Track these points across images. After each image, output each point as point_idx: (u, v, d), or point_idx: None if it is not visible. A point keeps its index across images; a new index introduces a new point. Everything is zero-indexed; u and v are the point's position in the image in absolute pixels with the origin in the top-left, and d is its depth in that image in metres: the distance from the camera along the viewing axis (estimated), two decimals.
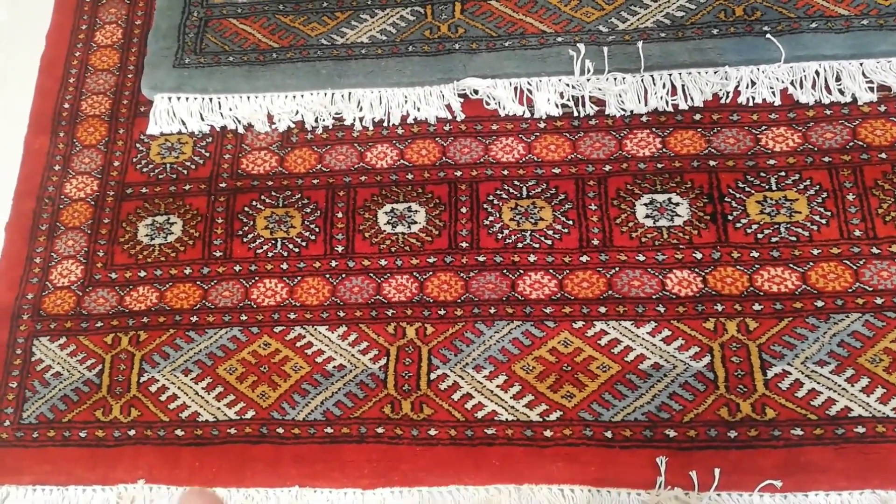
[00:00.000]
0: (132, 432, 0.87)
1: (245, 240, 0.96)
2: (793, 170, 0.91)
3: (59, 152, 1.04)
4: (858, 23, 0.95)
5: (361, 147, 0.99)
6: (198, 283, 0.94)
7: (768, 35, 0.95)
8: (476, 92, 0.99)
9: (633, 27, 0.99)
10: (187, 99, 1.03)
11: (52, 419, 0.89)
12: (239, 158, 1.01)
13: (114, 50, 1.09)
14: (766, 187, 0.91)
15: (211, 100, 1.03)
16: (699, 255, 0.88)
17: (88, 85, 1.07)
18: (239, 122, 1.02)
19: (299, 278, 0.93)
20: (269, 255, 0.94)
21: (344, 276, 0.92)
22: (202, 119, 1.02)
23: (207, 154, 1.01)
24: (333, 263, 0.93)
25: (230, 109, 1.02)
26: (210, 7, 1.08)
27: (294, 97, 1.02)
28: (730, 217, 0.90)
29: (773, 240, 0.88)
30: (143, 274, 0.95)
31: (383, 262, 0.92)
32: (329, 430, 0.85)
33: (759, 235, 0.88)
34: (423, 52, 1.01)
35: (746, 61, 0.95)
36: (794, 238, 0.88)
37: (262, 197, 0.98)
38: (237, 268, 0.94)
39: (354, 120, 1.00)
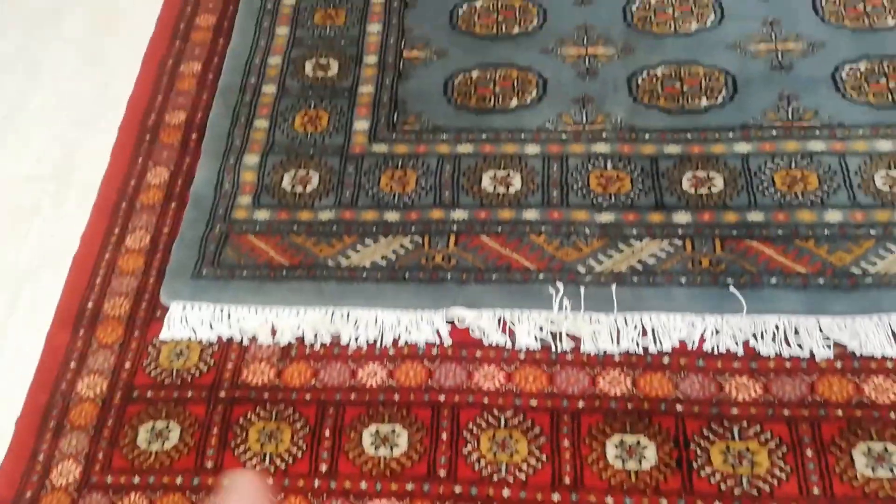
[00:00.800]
0: None
1: (236, 452, 1.02)
2: (755, 420, 0.97)
3: (76, 349, 1.13)
4: (814, 281, 1.05)
5: (354, 364, 1.07)
6: (187, 493, 0.99)
7: (731, 287, 1.05)
8: (463, 320, 1.09)
9: (608, 270, 1.09)
10: (200, 308, 1.13)
11: None
12: (240, 368, 1.09)
13: (140, 255, 1.21)
14: (730, 437, 0.97)
15: (222, 310, 1.13)
16: (664, 503, 0.93)
17: (113, 286, 1.18)
18: (245, 333, 1.11)
19: (282, 496, 0.98)
20: (257, 469, 1.00)
21: (325, 496, 0.97)
22: (211, 328, 1.12)
23: (212, 362, 1.10)
24: (316, 483, 0.98)
25: (238, 320, 1.12)
26: (232, 223, 1.21)
27: (298, 312, 1.11)
28: (695, 465, 0.95)
29: (736, 492, 0.93)
30: (136, 480, 1.01)
31: (364, 485, 0.97)
32: None
33: (723, 486, 0.93)
34: (417, 279, 1.12)
35: (711, 310, 1.05)
36: (755, 492, 0.92)
37: (258, 409, 1.05)
38: None
39: (350, 339, 1.09)
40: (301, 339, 1.11)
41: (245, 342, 1.11)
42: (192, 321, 1.13)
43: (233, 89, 1.36)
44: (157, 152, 1.33)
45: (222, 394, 1.07)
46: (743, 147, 1.19)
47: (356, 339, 1.09)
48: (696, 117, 1.23)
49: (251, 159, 1.28)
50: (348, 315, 1.11)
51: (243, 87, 1.36)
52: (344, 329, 1.10)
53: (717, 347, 1.03)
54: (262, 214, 1.21)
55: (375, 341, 1.09)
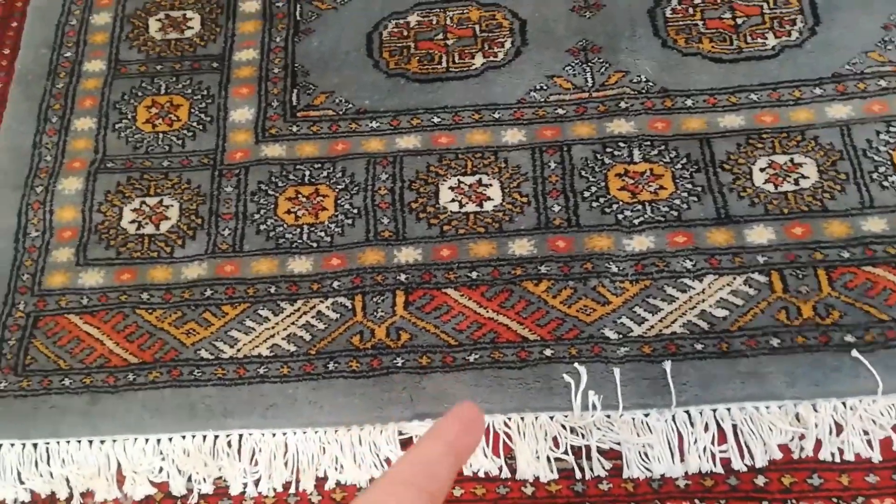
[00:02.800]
0: None
1: None
2: None
3: None
4: None
5: None
6: None
7: (854, 352, 0.67)
8: None
9: (654, 332, 0.70)
10: None
11: None
12: None
13: None
14: None
15: (35, 447, 0.71)
16: None
17: None
18: (74, 485, 0.70)
19: None
20: None
21: None
22: (19, 480, 0.70)
23: None
24: None
25: (62, 464, 0.70)
26: (43, 295, 0.77)
27: (158, 444, 0.70)
28: None
29: None
30: None
31: None
32: None
33: None
34: (349, 371, 0.71)
35: (826, 393, 0.66)
36: None
37: None
38: None
39: (246, 483, 0.69)
40: (167, 489, 0.70)
41: (76, 500, 0.70)
42: None
43: (38, 72, 0.89)
44: None
45: None
46: (840, 110, 0.78)
47: (256, 485, 0.69)
48: (762, 66, 0.81)
49: (70, 185, 0.82)
50: (240, 443, 0.70)
51: (54, 67, 0.90)
52: (232, 467, 0.69)
53: (841, 453, 0.66)
54: (91, 278, 0.78)
55: (288, 485, 0.69)
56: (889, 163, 0.75)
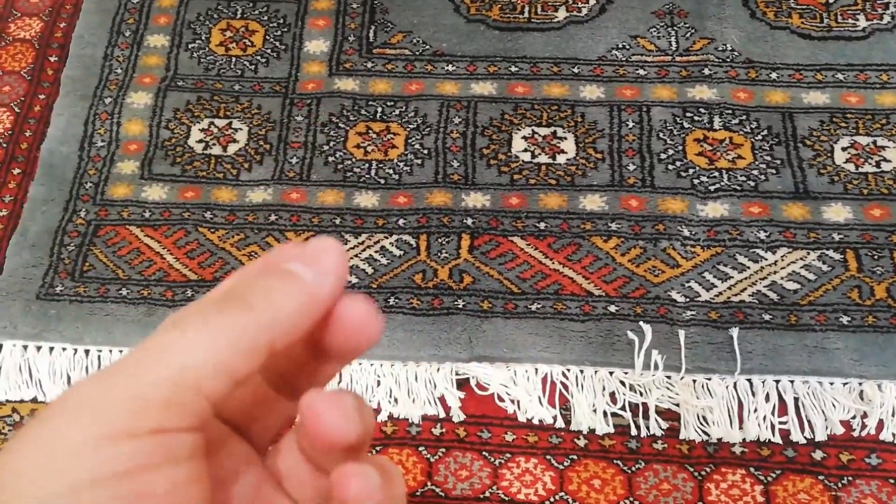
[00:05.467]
0: None
1: None
2: None
3: None
4: None
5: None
6: None
7: None
8: (484, 381, 0.71)
9: (722, 299, 0.71)
10: (51, 350, 0.73)
11: None
12: None
13: None
14: None
15: (87, 353, 0.73)
16: None
17: None
18: None
19: None
20: None
21: None
22: (69, 383, 0.72)
23: None
24: None
25: None
26: (105, 205, 0.79)
27: None
28: None
29: None
30: None
31: None
32: None
33: None
34: (409, 307, 0.72)
35: (893, 375, 0.68)
36: None
37: None
38: None
39: None
40: None
41: None
42: (38, 371, 0.73)
43: None
44: None
45: None
46: None
47: None
48: (851, 46, 0.82)
49: (140, 99, 0.84)
50: None
51: None
52: None
53: None
54: (154, 192, 0.80)
55: None
56: None
